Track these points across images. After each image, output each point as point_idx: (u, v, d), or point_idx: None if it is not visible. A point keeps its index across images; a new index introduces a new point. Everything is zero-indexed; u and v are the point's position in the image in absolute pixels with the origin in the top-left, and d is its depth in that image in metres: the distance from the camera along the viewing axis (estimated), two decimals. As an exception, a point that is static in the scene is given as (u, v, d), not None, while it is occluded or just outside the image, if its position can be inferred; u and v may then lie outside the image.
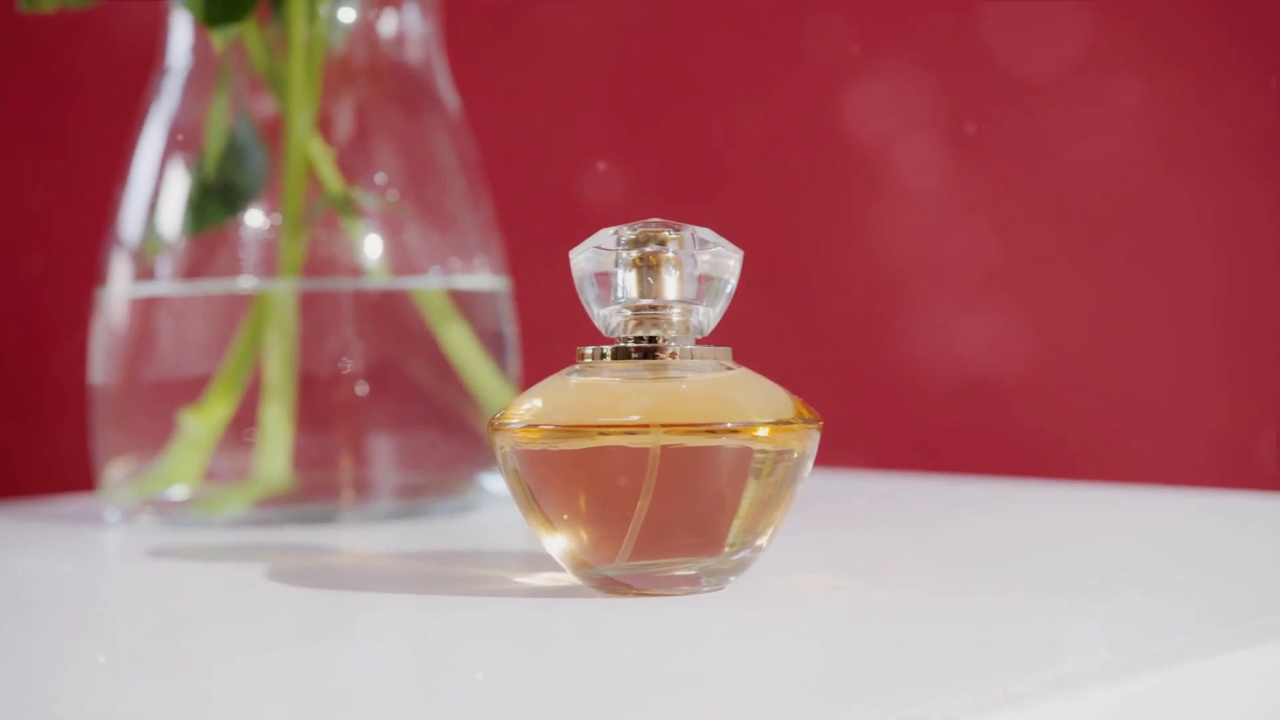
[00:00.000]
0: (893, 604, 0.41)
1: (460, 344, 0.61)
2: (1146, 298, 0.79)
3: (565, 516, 0.41)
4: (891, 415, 0.83)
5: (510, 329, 0.64)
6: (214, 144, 0.60)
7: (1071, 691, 0.32)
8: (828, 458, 0.50)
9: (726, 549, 0.41)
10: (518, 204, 0.72)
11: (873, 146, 0.83)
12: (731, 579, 0.42)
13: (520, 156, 0.83)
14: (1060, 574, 0.46)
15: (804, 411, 0.41)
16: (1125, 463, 0.78)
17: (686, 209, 0.79)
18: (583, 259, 0.42)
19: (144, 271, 0.60)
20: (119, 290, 0.60)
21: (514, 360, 0.64)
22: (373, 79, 0.62)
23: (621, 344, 0.42)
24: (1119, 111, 0.78)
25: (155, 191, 0.60)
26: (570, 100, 0.86)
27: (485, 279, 0.63)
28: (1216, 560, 0.49)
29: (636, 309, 0.42)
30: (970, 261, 0.82)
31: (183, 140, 0.61)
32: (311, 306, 0.60)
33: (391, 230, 0.61)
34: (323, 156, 0.59)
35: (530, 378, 0.65)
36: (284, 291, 0.59)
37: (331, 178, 0.60)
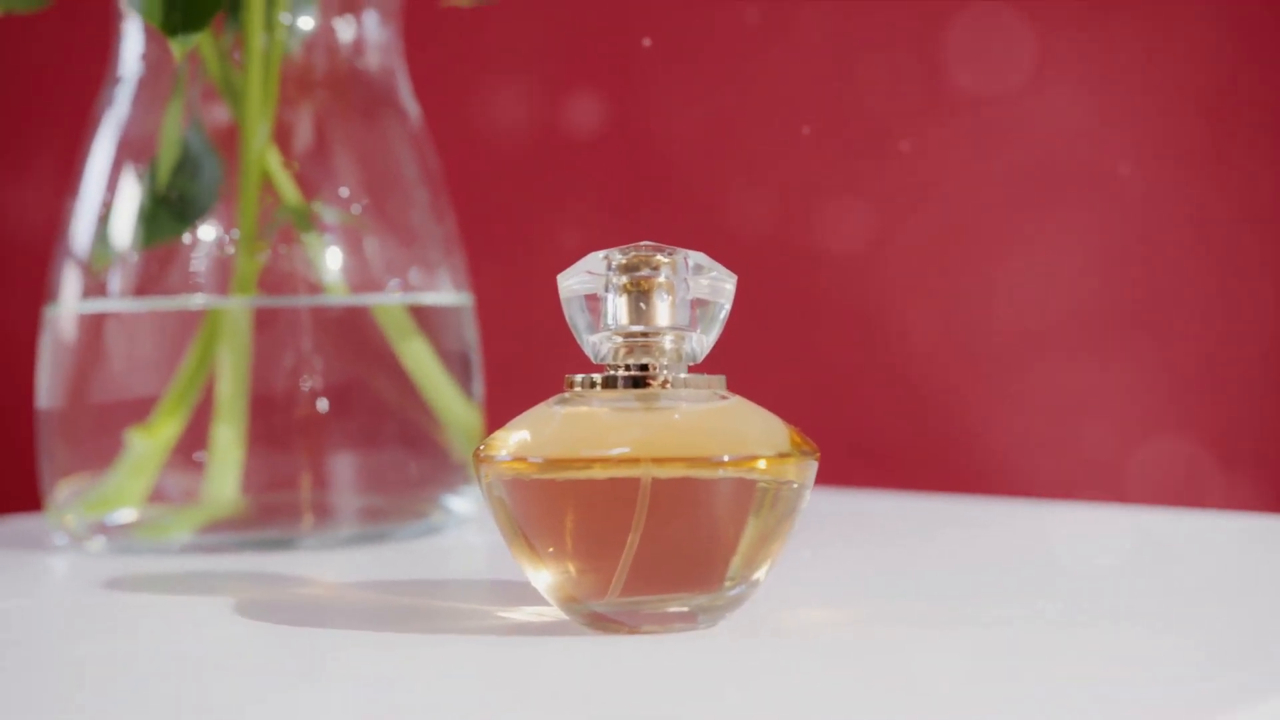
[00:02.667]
0: (887, 638, 0.40)
1: (422, 361, 0.59)
2: (1129, 313, 0.78)
3: (551, 550, 0.39)
4: (890, 436, 0.82)
5: (474, 346, 0.62)
6: (167, 154, 0.58)
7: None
8: (826, 478, 0.49)
9: (725, 584, 0.39)
10: (481, 217, 0.70)
11: (866, 160, 0.82)
12: (726, 615, 0.40)
13: (483, 168, 0.81)
14: (1069, 602, 0.44)
15: (800, 442, 0.40)
16: (1133, 482, 0.77)
17: (654, 224, 0.78)
18: (571, 284, 0.41)
19: (94, 287, 0.58)
20: (68, 306, 0.58)
21: (477, 377, 0.62)
22: (332, 88, 0.60)
23: (611, 372, 0.40)
24: (1095, 121, 0.77)
25: (106, 203, 0.58)
26: (535, 109, 0.84)
27: (448, 294, 0.61)
28: (1227, 588, 0.48)
29: (627, 336, 0.40)
30: (970, 281, 0.81)
31: (135, 150, 0.58)
32: (267, 323, 0.58)
33: (351, 244, 0.59)
34: (279, 168, 0.58)
35: (494, 396, 0.64)
36: (238, 308, 0.57)
37: (289, 190, 0.58)
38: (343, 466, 0.58)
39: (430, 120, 0.63)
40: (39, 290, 0.60)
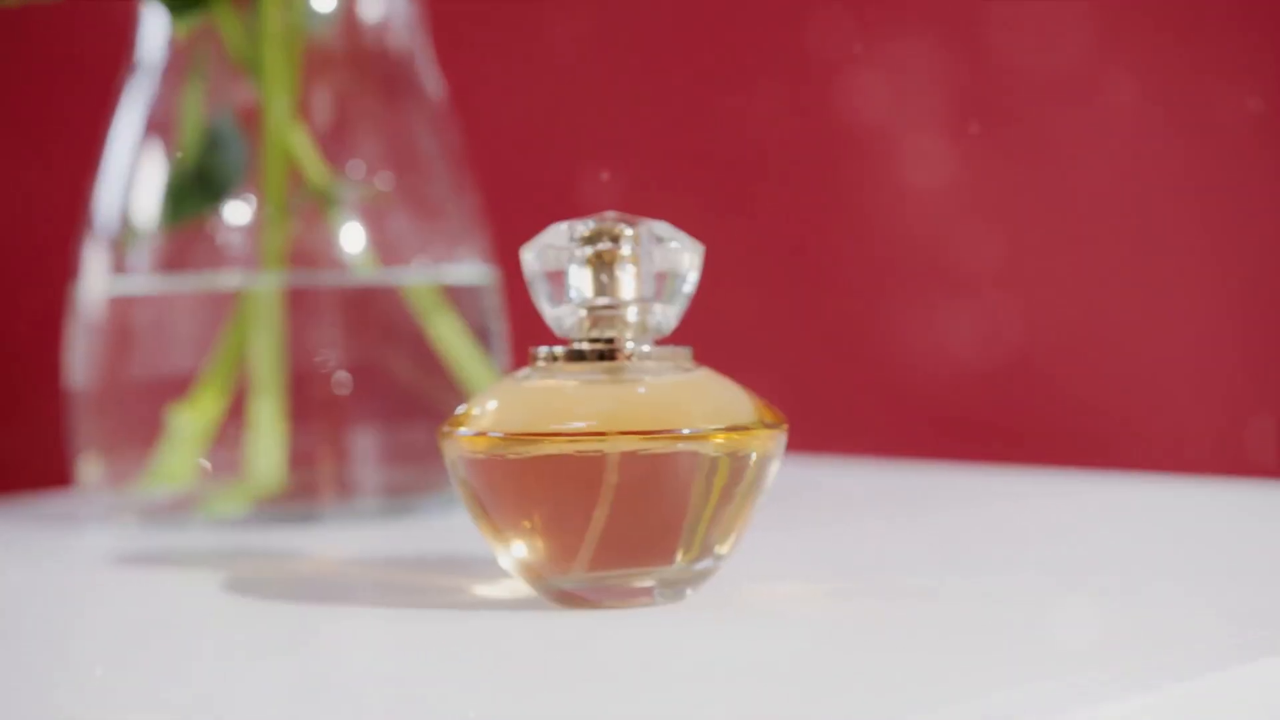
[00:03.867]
0: (861, 614, 0.39)
1: (448, 336, 0.59)
2: (1146, 288, 0.77)
3: (521, 526, 0.39)
4: (862, 404, 0.81)
5: (497, 321, 0.62)
6: (190, 133, 0.58)
7: (1062, 711, 0.30)
8: (799, 445, 0.48)
9: (687, 558, 0.39)
10: (504, 194, 0.70)
11: (862, 139, 0.81)
12: (690, 590, 0.40)
13: (506, 145, 0.81)
14: (1048, 574, 0.44)
15: (767, 414, 0.39)
16: (1114, 450, 0.76)
17: (673, 198, 0.77)
18: (533, 256, 0.41)
19: (121, 266, 0.59)
20: (95, 285, 0.59)
21: (502, 353, 0.62)
22: (354, 66, 0.60)
23: (576, 345, 0.40)
24: (1125, 100, 0.76)
25: (132, 183, 0.59)
26: (557, 88, 0.84)
27: (471, 270, 0.61)
28: (1223, 556, 0.46)
29: (591, 309, 0.40)
30: (961, 253, 0.80)
31: (160, 129, 0.59)
32: (294, 300, 0.58)
33: (375, 221, 0.59)
34: (304, 146, 0.58)
35: (518, 369, 0.64)
36: (267, 285, 0.58)
37: (313, 167, 0.58)
38: (370, 441, 0.58)
39: (453, 96, 0.62)
40: (65, 269, 0.61)
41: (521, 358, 0.64)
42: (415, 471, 0.59)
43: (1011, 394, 0.79)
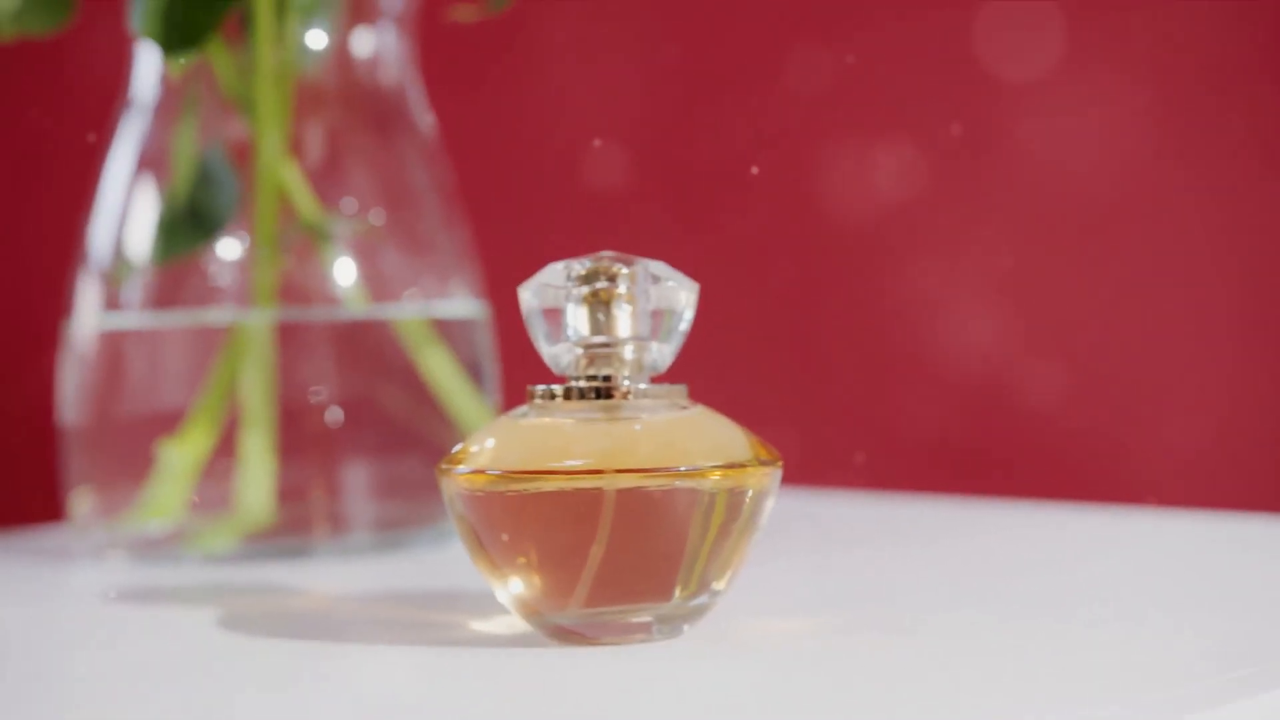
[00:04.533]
0: (850, 649, 0.39)
1: (439, 370, 0.59)
2: (1146, 307, 0.77)
3: (517, 563, 0.39)
4: (858, 439, 0.82)
5: (488, 356, 0.62)
6: (183, 170, 0.59)
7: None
8: (794, 479, 0.48)
9: (683, 594, 0.39)
10: (494, 229, 0.70)
11: (852, 157, 0.81)
12: (687, 626, 0.40)
13: (498, 179, 0.82)
14: (1047, 610, 0.44)
15: (762, 451, 0.40)
16: (1103, 483, 0.76)
17: (662, 235, 0.78)
18: (530, 294, 0.41)
19: (113, 301, 0.59)
20: (87, 321, 0.59)
21: (493, 388, 0.62)
22: (345, 102, 0.61)
23: (573, 383, 0.40)
24: (1123, 115, 0.76)
25: (124, 219, 0.59)
26: (548, 120, 0.84)
27: (462, 305, 0.62)
28: (1213, 589, 0.47)
29: (588, 347, 0.40)
30: (954, 276, 0.80)
31: (152, 166, 0.59)
32: (287, 335, 0.58)
33: (366, 255, 0.60)
34: (295, 181, 0.58)
35: (511, 404, 0.64)
36: (259, 320, 0.58)
37: (305, 203, 0.58)
38: (361, 476, 0.59)
39: (443, 131, 0.63)
40: (58, 304, 0.61)
41: (512, 392, 0.64)
42: (407, 506, 0.59)
43: (1000, 426, 0.79)
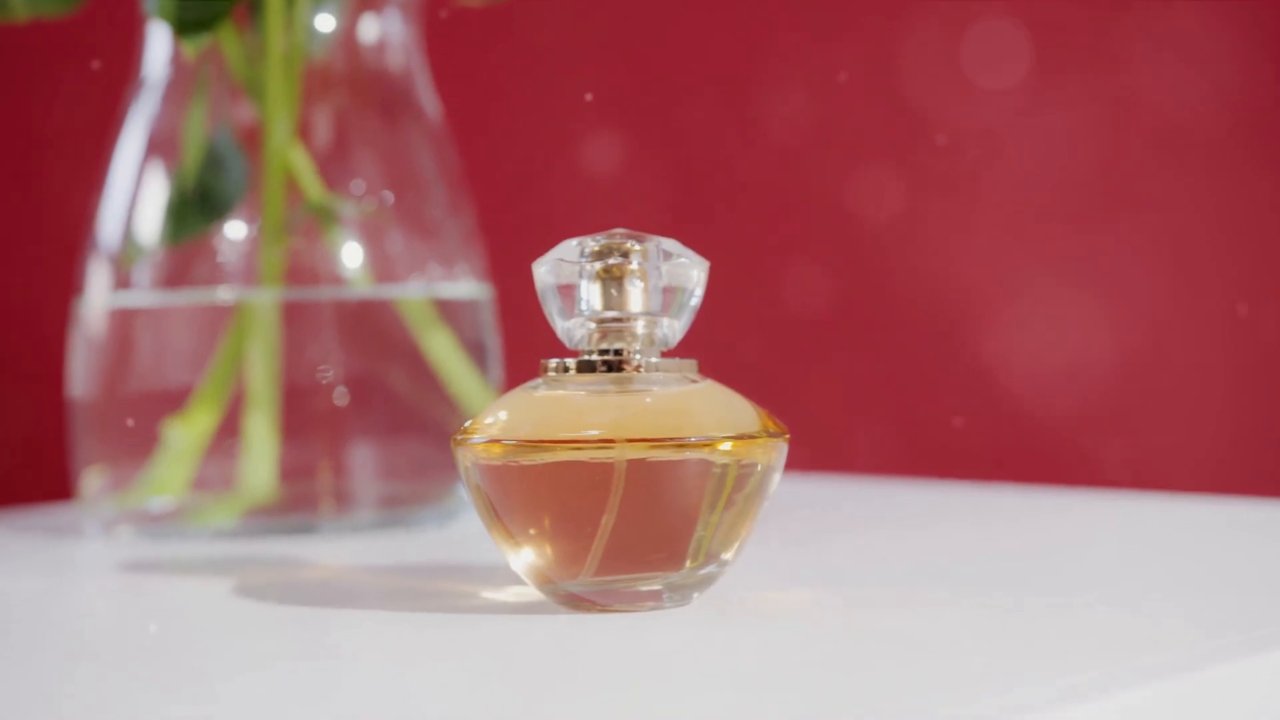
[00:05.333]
0: (865, 619, 0.40)
1: (443, 352, 0.60)
2: (1148, 299, 0.78)
3: (530, 532, 0.40)
4: (864, 421, 0.83)
5: (492, 337, 0.63)
6: (192, 152, 0.59)
7: (1052, 709, 0.31)
8: (799, 463, 0.49)
9: (691, 564, 0.40)
10: (499, 212, 0.71)
11: (855, 151, 0.82)
12: (696, 594, 0.41)
13: (502, 164, 0.83)
14: (1044, 585, 0.45)
15: (770, 424, 0.41)
16: (1116, 468, 0.77)
17: (668, 217, 0.79)
18: (545, 270, 0.42)
19: (123, 281, 0.60)
20: (98, 300, 0.60)
21: (496, 369, 0.63)
22: (353, 86, 0.62)
23: (586, 357, 0.41)
24: (1121, 113, 0.77)
25: (134, 200, 0.60)
26: (552, 106, 0.85)
27: (467, 287, 0.63)
28: (1206, 569, 0.48)
29: (600, 321, 0.41)
30: (959, 267, 0.81)
31: (162, 148, 0.60)
32: (293, 315, 0.59)
33: (372, 238, 0.61)
34: (303, 164, 0.59)
35: (513, 386, 0.65)
36: (265, 301, 0.59)
37: (312, 186, 0.59)
38: (365, 454, 0.60)
39: (449, 117, 0.64)
40: (69, 284, 0.62)
41: (515, 373, 0.65)
42: (410, 485, 0.60)
43: (1005, 414, 0.80)
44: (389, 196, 0.61)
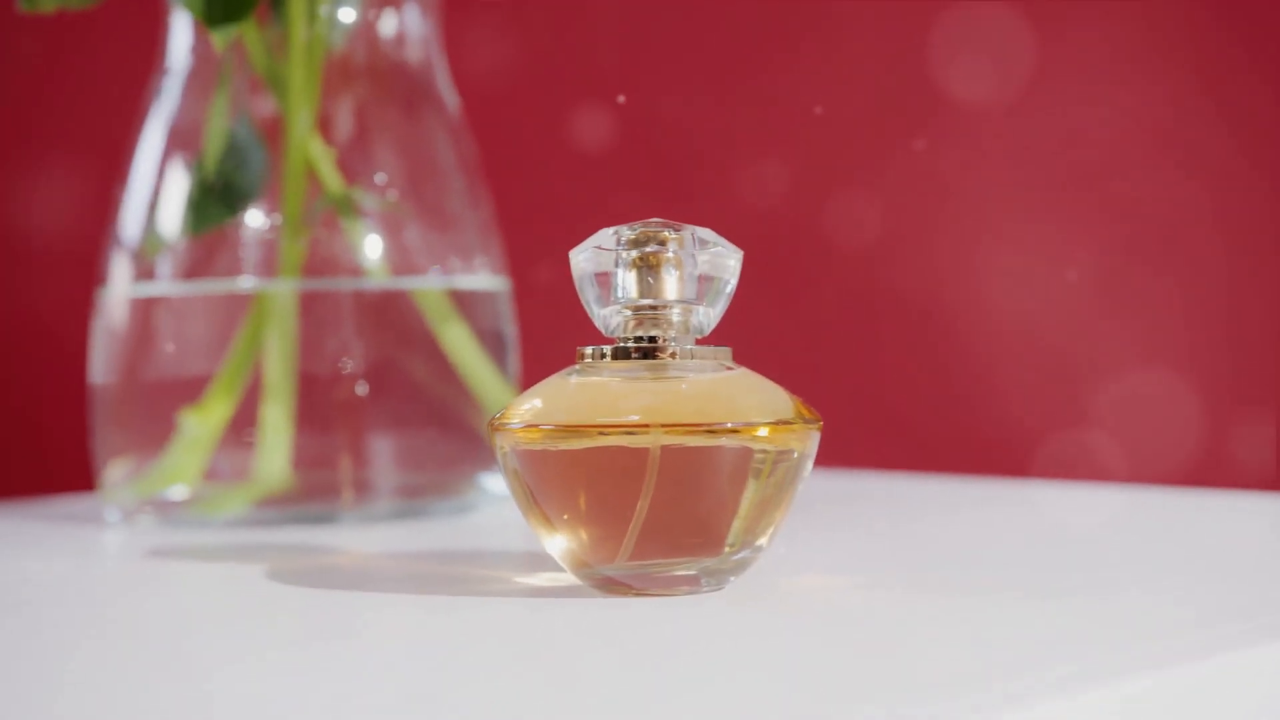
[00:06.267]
0: (894, 605, 0.41)
1: (460, 344, 0.61)
2: (1142, 296, 0.79)
3: (565, 516, 0.41)
4: (892, 415, 0.83)
5: (510, 329, 0.64)
6: (214, 144, 0.60)
7: (1073, 692, 0.32)
8: (829, 458, 0.50)
9: (726, 549, 0.41)
10: (518, 204, 0.72)
11: (875, 143, 0.83)
12: (731, 579, 0.42)
13: (521, 156, 0.83)
14: (1060, 574, 0.46)
15: (804, 411, 0.41)
16: (1125, 462, 0.78)
17: (689, 207, 0.79)
18: (583, 259, 0.42)
19: (144, 271, 0.60)
20: (119, 290, 0.60)
21: (514, 361, 0.64)
22: (373, 79, 0.62)
23: (621, 344, 0.42)
24: (1114, 111, 0.78)
25: (155, 192, 0.60)
26: (571, 99, 0.86)
27: (485, 279, 0.63)
28: (1212, 560, 0.49)
29: (636, 309, 0.42)
30: (970, 262, 0.82)
31: (183, 140, 0.61)
32: (311, 306, 0.60)
33: (391, 230, 0.61)
34: (323, 156, 0.59)
35: (530, 378, 0.65)
36: (284, 291, 0.59)
37: (331, 178, 0.60)
38: (383, 445, 0.60)
39: (467, 109, 0.64)
40: (90, 275, 0.62)
41: (532, 364, 0.66)
42: (428, 476, 0.61)
43: (1018, 409, 0.81)
44: (408, 189, 0.62)
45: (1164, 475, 0.73)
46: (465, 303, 0.61)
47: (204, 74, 0.61)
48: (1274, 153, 0.76)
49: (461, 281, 0.62)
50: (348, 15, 0.61)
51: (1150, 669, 0.34)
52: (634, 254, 0.42)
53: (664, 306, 0.42)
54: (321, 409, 0.60)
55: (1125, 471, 0.74)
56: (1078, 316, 0.80)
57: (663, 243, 0.42)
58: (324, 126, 0.60)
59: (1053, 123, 0.80)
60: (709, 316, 0.43)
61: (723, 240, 0.42)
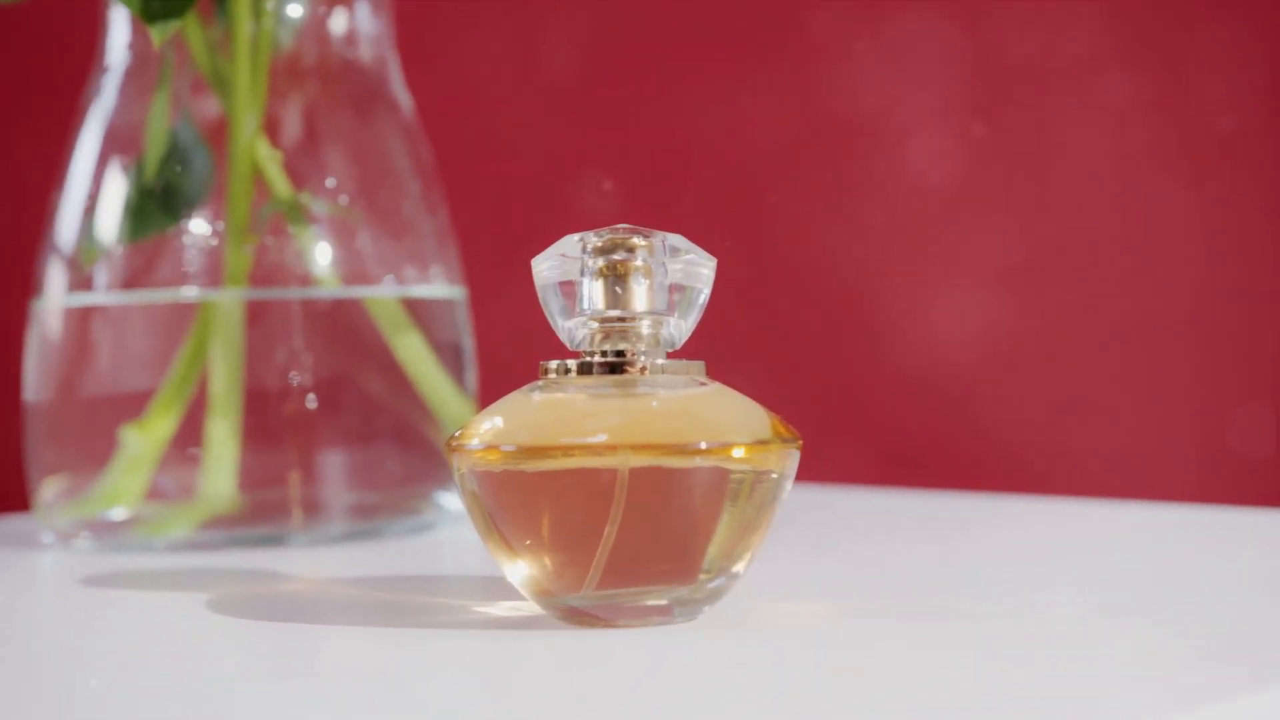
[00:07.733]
0: (874, 633, 0.38)
1: (416, 355, 0.58)
2: (1127, 308, 0.77)
3: (527, 542, 0.38)
4: (871, 430, 0.81)
5: (467, 340, 0.61)
6: (154, 146, 0.57)
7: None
8: (807, 473, 0.48)
9: (701, 577, 0.38)
10: (474, 210, 0.69)
11: (848, 149, 0.81)
12: (706, 609, 0.39)
13: (477, 160, 0.81)
14: (1046, 596, 0.43)
15: (782, 430, 0.39)
16: (1111, 476, 0.76)
17: (651, 213, 0.77)
18: (546, 267, 0.40)
19: (81, 281, 0.57)
20: (55, 300, 0.58)
21: (471, 372, 0.61)
22: (322, 79, 0.59)
23: (587, 358, 0.39)
24: (1103, 117, 0.76)
25: (93, 196, 0.57)
26: (529, 101, 0.83)
27: (441, 288, 0.60)
28: (1221, 582, 0.46)
29: (603, 321, 0.39)
30: (951, 270, 0.80)
31: (122, 142, 0.58)
32: (259, 317, 0.57)
33: (343, 237, 0.58)
34: (270, 159, 0.57)
35: (488, 390, 0.63)
36: (230, 301, 0.56)
37: (279, 182, 0.57)
38: (335, 462, 0.57)
39: (422, 112, 0.62)
40: (26, 285, 0.59)
41: (490, 376, 0.63)
42: (383, 494, 0.58)
43: (995, 422, 0.79)
44: (359, 193, 0.59)
45: (1151, 491, 0.71)
46: (420, 313, 0.59)
47: (144, 72, 0.58)
48: (1269, 155, 0.74)
49: (416, 290, 0.59)
50: (295, 11, 0.58)
51: (1147, 700, 0.31)
52: (601, 262, 0.39)
53: (633, 318, 0.39)
54: (270, 424, 0.57)
55: (1110, 486, 0.73)
56: (1058, 331, 0.78)
57: (631, 250, 0.39)
58: (271, 128, 0.58)
59: (1035, 129, 0.78)
60: (681, 329, 0.40)
61: (695, 247, 0.40)
